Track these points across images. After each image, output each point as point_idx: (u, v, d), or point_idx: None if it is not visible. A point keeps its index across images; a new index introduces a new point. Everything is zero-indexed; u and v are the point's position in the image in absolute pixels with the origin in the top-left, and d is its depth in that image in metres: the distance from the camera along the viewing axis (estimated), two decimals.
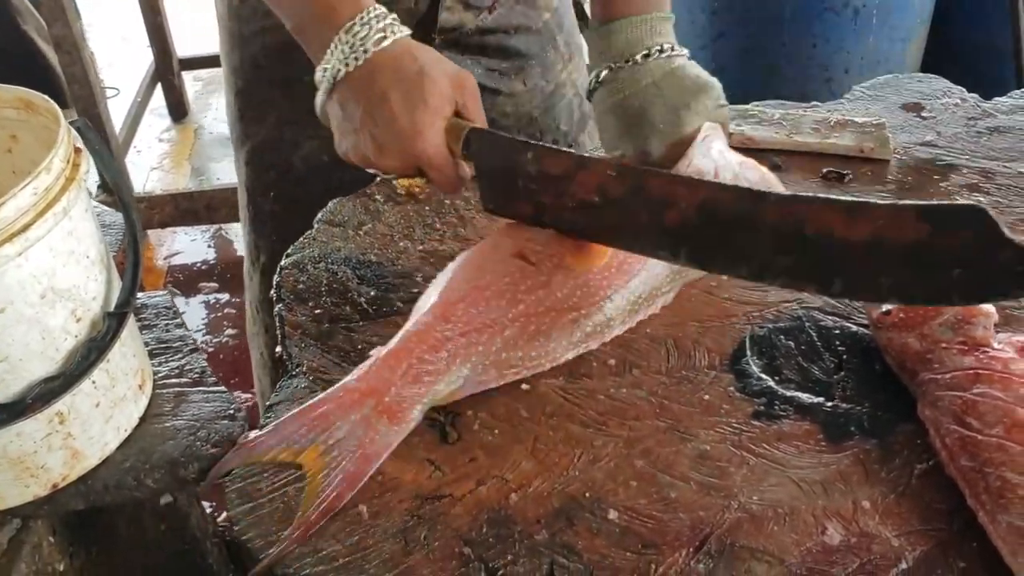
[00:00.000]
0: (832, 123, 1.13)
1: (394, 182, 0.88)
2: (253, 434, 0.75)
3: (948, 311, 0.77)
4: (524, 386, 0.79)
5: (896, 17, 2.22)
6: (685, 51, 0.95)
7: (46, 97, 0.77)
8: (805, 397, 0.78)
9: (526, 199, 0.84)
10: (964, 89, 1.23)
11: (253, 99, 1.19)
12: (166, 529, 0.92)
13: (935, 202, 0.81)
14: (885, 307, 0.80)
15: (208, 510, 0.96)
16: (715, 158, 0.89)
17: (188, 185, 3.14)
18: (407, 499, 0.70)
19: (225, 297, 2.64)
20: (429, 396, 0.75)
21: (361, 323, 0.88)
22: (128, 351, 0.80)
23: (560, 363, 0.81)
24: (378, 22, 0.84)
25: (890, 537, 0.66)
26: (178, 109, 3.53)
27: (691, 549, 0.66)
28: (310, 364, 0.84)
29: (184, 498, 0.91)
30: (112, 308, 0.76)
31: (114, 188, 0.81)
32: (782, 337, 0.84)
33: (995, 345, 0.74)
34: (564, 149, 0.88)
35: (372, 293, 0.91)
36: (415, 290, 0.91)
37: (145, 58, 3.40)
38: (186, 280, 2.71)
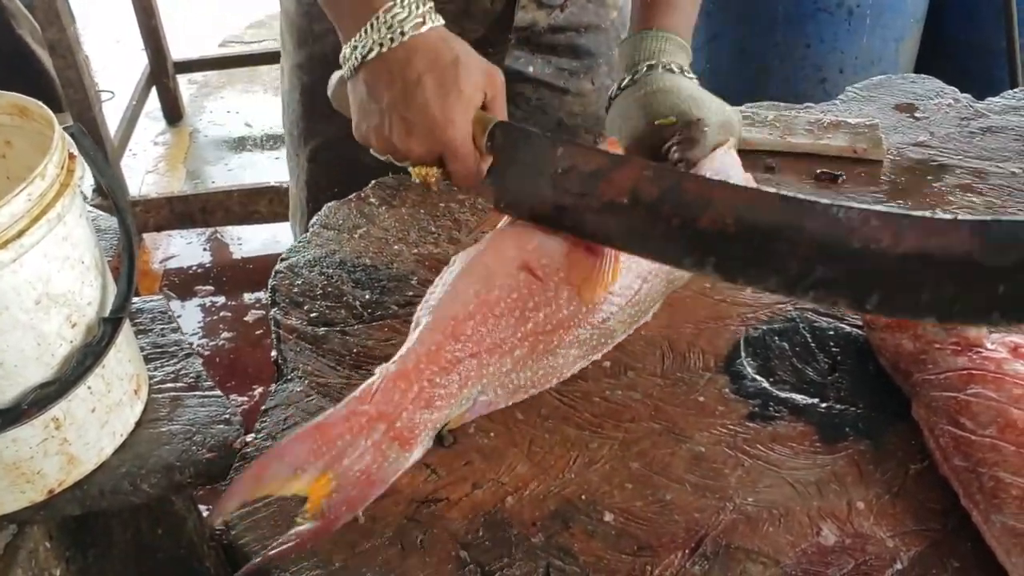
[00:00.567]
0: (825, 124, 1.14)
1: (410, 169, 0.88)
2: (250, 437, 0.75)
3: None
4: None
5: (889, 17, 2.23)
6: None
7: (40, 103, 0.77)
8: (799, 398, 0.78)
9: (547, 199, 0.82)
10: (957, 89, 1.24)
11: (322, 96, 1.19)
12: (162, 533, 0.92)
13: (989, 217, 0.79)
14: None
15: (204, 514, 0.96)
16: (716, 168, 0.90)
17: (183, 188, 3.14)
18: (403, 503, 0.70)
19: (221, 300, 2.63)
20: (441, 422, 0.73)
21: (356, 326, 0.88)
22: (123, 356, 0.80)
23: (566, 377, 0.80)
24: (417, 8, 0.84)
25: (885, 537, 0.66)
26: (173, 112, 3.53)
27: (687, 551, 0.66)
28: (305, 368, 0.83)
29: (180, 502, 0.91)
30: (107, 313, 0.76)
31: (109, 193, 0.81)
32: (776, 338, 0.84)
33: (988, 346, 0.74)
34: (595, 147, 0.87)
35: (367, 296, 0.91)
36: (410, 293, 0.91)
37: (140, 61, 3.39)
38: (182, 284, 2.70)
